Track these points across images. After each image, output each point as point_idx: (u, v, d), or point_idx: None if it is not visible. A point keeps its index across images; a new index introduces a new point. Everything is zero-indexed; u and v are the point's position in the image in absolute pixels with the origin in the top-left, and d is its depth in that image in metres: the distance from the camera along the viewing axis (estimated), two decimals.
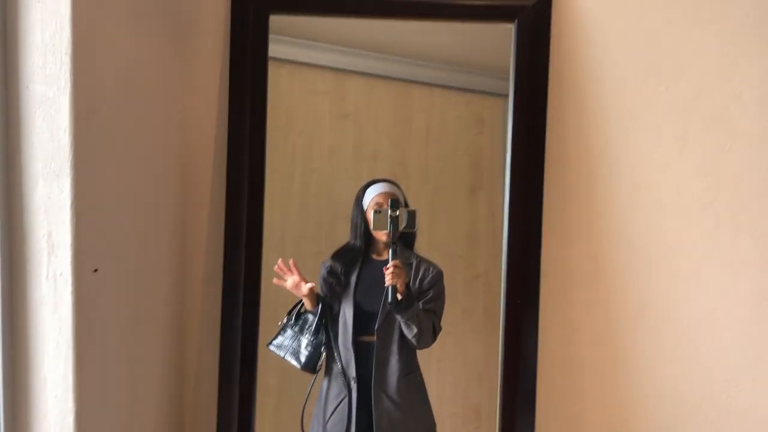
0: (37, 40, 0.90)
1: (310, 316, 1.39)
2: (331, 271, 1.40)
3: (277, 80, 1.40)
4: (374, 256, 1.41)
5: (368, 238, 1.40)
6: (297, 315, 1.40)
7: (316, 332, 1.38)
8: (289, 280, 1.37)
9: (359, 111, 1.45)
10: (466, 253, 1.47)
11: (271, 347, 1.40)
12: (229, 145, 1.37)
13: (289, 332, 1.39)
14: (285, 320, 1.40)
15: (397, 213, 1.35)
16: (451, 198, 1.47)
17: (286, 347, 1.39)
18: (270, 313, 1.39)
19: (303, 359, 1.38)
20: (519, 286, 1.38)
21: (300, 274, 1.37)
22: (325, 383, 1.40)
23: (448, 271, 1.43)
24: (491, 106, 1.46)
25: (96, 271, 0.97)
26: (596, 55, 1.41)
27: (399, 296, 1.33)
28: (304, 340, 1.38)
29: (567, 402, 1.46)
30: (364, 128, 1.46)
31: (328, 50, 1.45)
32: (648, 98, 1.41)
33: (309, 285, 1.37)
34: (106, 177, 1.01)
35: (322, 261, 1.41)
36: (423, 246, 1.43)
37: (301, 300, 1.39)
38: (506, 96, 1.40)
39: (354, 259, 1.40)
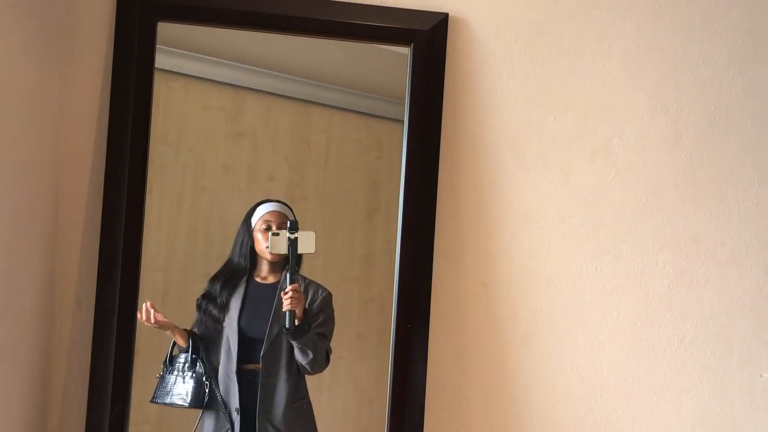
0: None
1: (182, 354, 1.32)
2: (207, 294, 1.34)
3: (170, 94, 1.35)
4: (258, 279, 1.36)
5: (252, 259, 1.35)
6: (170, 358, 1.32)
7: (192, 366, 1.32)
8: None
9: (256, 130, 1.42)
10: (362, 276, 1.46)
11: (156, 400, 1.31)
12: (107, 157, 1.29)
13: (169, 378, 1.31)
14: (162, 371, 1.32)
15: (297, 235, 1.32)
16: (348, 221, 1.46)
17: (168, 393, 1.31)
18: (146, 339, 1.31)
19: (188, 398, 1.31)
20: (410, 310, 1.37)
21: (160, 319, 1.29)
22: (205, 416, 1.33)
23: (342, 294, 1.41)
24: (390, 130, 1.46)
25: None
26: (489, 83, 1.45)
27: (297, 322, 1.30)
28: (184, 377, 1.31)
29: (453, 429, 1.47)
30: (260, 148, 1.42)
31: (226, 65, 1.41)
32: (537, 127, 1.46)
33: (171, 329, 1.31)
34: None
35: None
36: (318, 268, 1.41)
37: (172, 347, 1.33)
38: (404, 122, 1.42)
39: (236, 280, 1.35)
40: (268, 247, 1.33)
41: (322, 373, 1.37)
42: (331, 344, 1.38)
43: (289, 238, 1.32)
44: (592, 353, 1.48)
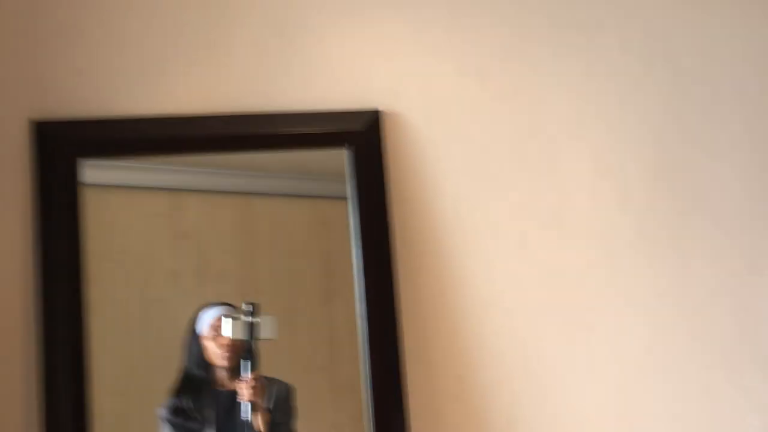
0: None
1: None
2: (176, 410, 1.27)
3: (105, 207, 1.30)
4: (219, 388, 1.31)
5: (208, 368, 1.30)
6: None
7: None
8: None
9: (199, 230, 1.38)
10: (329, 364, 1.42)
11: None
12: (44, 312, 1.21)
13: None
14: None
15: (258, 319, 1.27)
16: (307, 307, 1.42)
17: None
18: None
19: None
20: (385, 417, 1.33)
21: None
22: None
23: (310, 383, 1.37)
24: (336, 209, 1.44)
25: None
26: (431, 170, 1.43)
27: (257, 416, 1.25)
28: None
29: None
30: (206, 247, 1.38)
31: (161, 171, 1.37)
32: (484, 208, 1.44)
33: None
34: None
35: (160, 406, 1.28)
36: (283, 361, 1.36)
37: None
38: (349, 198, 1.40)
39: (202, 391, 1.29)
40: (221, 354, 1.28)
41: None
42: None
43: (248, 322, 1.26)
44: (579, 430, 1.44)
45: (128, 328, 1.31)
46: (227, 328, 1.27)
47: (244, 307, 1.28)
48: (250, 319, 1.28)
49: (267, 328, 1.29)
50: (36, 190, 1.24)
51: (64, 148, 1.25)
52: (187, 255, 1.37)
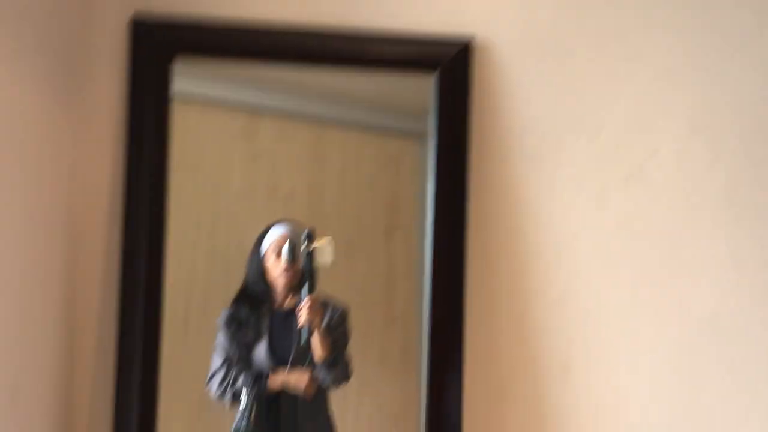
0: None
1: (243, 382, 1.31)
2: (232, 317, 1.33)
3: (185, 119, 1.35)
4: (276, 306, 1.35)
5: (267, 286, 1.35)
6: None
7: (248, 395, 1.31)
8: None
9: (272, 152, 1.41)
10: (383, 295, 1.44)
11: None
12: (125, 191, 1.29)
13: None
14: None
15: (313, 247, 1.30)
16: (368, 240, 1.44)
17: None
18: (174, 366, 1.32)
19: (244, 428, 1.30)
20: (443, 343, 1.34)
21: None
22: None
23: (365, 313, 1.40)
24: (407, 147, 1.44)
25: None
26: (518, 106, 1.40)
27: (315, 337, 1.29)
28: (242, 406, 1.30)
29: None
30: (277, 170, 1.41)
31: (240, 89, 1.40)
32: (568, 151, 1.40)
33: None
34: None
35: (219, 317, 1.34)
36: (339, 288, 1.40)
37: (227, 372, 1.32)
38: (421, 137, 1.39)
39: (259, 306, 1.34)
40: (280, 274, 1.32)
41: (346, 393, 1.37)
42: (356, 363, 1.37)
43: (305, 249, 1.30)
44: (634, 385, 1.41)
45: (198, 238, 1.37)
46: (286, 253, 1.30)
47: (303, 234, 1.31)
48: (308, 245, 1.30)
49: (323, 254, 1.31)
50: (130, 86, 1.30)
51: (161, 46, 1.30)
52: (259, 175, 1.41)
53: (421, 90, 1.37)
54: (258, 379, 1.32)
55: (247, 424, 1.30)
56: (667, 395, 1.42)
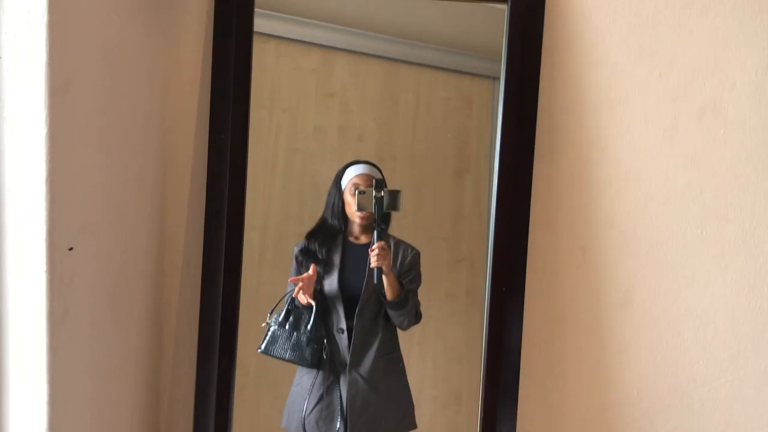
0: (11, 7, 0.86)
1: (305, 311, 1.36)
2: (305, 250, 1.37)
3: (263, 56, 1.37)
4: (351, 239, 1.39)
5: (344, 221, 1.38)
6: (286, 312, 1.36)
7: (314, 327, 1.35)
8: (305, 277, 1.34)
9: (346, 90, 1.43)
10: (451, 236, 1.45)
11: (268, 352, 1.35)
12: (211, 121, 1.34)
13: (279, 331, 1.35)
14: (271, 320, 1.36)
15: (382, 193, 1.33)
16: (437, 180, 1.45)
17: (285, 349, 1.35)
18: (250, 296, 1.37)
19: (309, 357, 1.35)
20: (505, 273, 1.36)
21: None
22: (305, 370, 1.38)
23: (431, 253, 1.42)
24: (480, 87, 1.43)
25: (71, 249, 0.94)
26: (590, 39, 1.38)
27: (384, 278, 1.33)
28: (304, 337, 1.35)
29: (549, 390, 1.46)
30: (350, 108, 1.43)
31: (316, 26, 1.41)
32: (640, 85, 1.39)
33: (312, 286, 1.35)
34: (82, 151, 0.98)
35: (296, 244, 1.38)
36: (407, 228, 1.42)
37: (285, 296, 1.36)
38: (495, 78, 1.38)
39: (332, 239, 1.38)
40: (356, 212, 1.35)
41: (412, 331, 1.40)
42: (422, 303, 1.40)
43: (375, 196, 1.33)
44: (695, 319, 1.42)
45: (273, 172, 1.40)
46: (358, 201, 1.33)
47: (374, 182, 1.34)
48: (375, 193, 1.33)
49: (391, 201, 1.34)
50: (216, 14, 1.34)
51: None
52: (332, 113, 1.42)
53: (494, 28, 1.36)
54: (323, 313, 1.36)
55: (309, 352, 1.35)
56: (729, 330, 1.43)
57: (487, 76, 1.42)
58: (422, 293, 1.41)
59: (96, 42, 1.01)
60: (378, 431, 1.38)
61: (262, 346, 1.35)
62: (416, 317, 1.38)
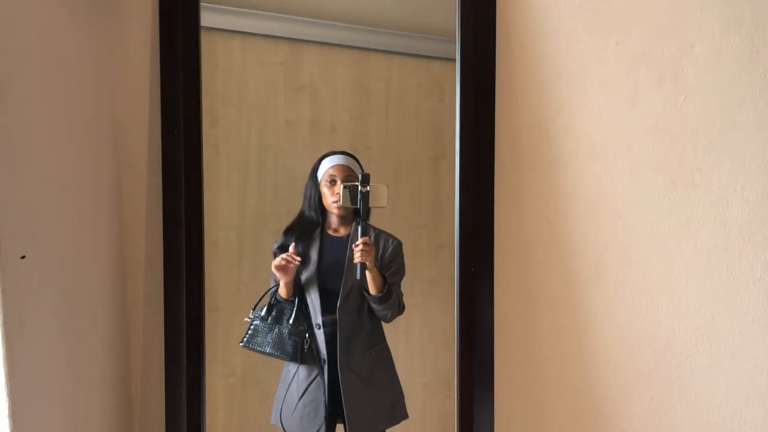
0: None
1: (287, 305, 1.35)
2: (283, 246, 1.35)
3: (228, 53, 1.35)
4: (330, 232, 1.38)
5: (322, 213, 1.37)
6: (269, 306, 1.35)
7: (296, 321, 1.35)
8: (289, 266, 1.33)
9: (315, 82, 1.41)
10: (431, 223, 1.45)
11: (249, 345, 1.34)
12: (163, 119, 1.30)
13: (261, 325, 1.34)
14: (252, 315, 1.35)
15: (368, 188, 1.32)
16: (414, 167, 1.44)
17: (266, 343, 1.34)
18: (230, 293, 1.36)
19: (290, 350, 1.34)
20: (472, 253, 1.37)
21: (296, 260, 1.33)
22: (291, 366, 1.37)
23: (412, 241, 1.41)
24: (450, 71, 1.43)
25: (23, 257, 0.91)
26: (544, 10, 1.39)
27: (367, 273, 1.32)
28: (285, 330, 1.34)
29: (525, 368, 1.47)
30: (321, 100, 1.41)
31: (281, 19, 1.39)
32: (597, 53, 1.40)
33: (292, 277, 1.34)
34: (27, 157, 0.93)
35: (275, 240, 1.37)
36: (387, 217, 1.41)
37: (267, 292, 1.35)
38: None
39: (310, 233, 1.36)
40: (335, 201, 1.34)
41: (398, 319, 1.39)
42: (405, 291, 1.39)
43: (360, 191, 1.32)
44: (667, 287, 1.45)
45: (246, 169, 1.38)
46: (343, 196, 1.32)
47: (360, 176, 1.33)
48: (361, 188, 1.32)
49: (377, 196, 1.33)
50: (160, 27, 1.30)
51: None
52: (302, 106, 1.40)
53: (452, 8, 1.36)
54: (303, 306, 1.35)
55: (293, 347, 1.34)
56: (702, 296, 1.45)
57: (455, 59, 1.41)
58: (405, 281, 1.41)
59: (36, 45, 0.97)
60: (370, 424, 1.37)
61: (244, 340, 1.34)
62: (400, 309, 1.38)
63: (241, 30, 1.38)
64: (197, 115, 1.30)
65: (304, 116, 1.41)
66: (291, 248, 1.33)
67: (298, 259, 1.32)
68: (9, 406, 0.87)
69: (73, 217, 1.10)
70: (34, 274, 0.94)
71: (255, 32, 1.39)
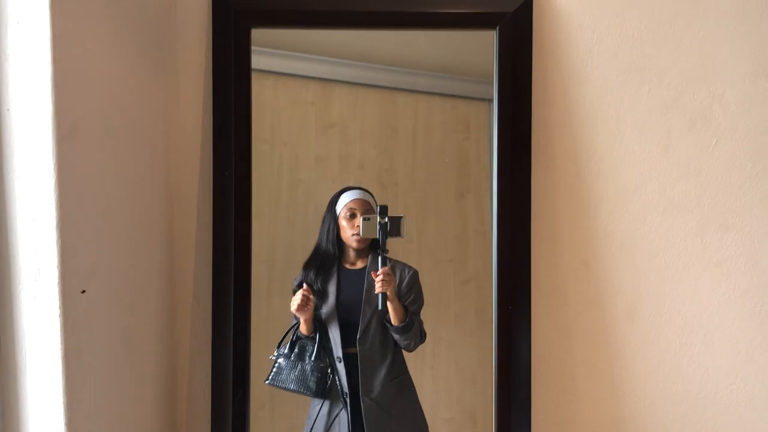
0: (16, 60, 0.89)
1: (308, 342, 1.37)
2: (301, 284, 1.38)
3: (262, 92, 1.40)
4: (347, 266, 1.40)
5: (339, 246, 1.40)
6: (291, 343, 1.37)
7: (318, 357, 1.37)
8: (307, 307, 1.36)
9: (345, 120, 1.45)
10: (456, 258, 1.47)
11: (275, 383, 1.37)
12: (214, 159, 1.36)
13: (284, 363, 1.37)
14: (277, 353, 1.38)
15: (386, 220, 1.35)
16: (440, 203, 1.47)
17: (290, 380, 1.36)
18: (260, 327, 1.39)
19: (314, 386, 1.36)
20: (510, 291, 1.38)
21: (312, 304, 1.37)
22: (316, 401, 1.39)
23: (438, 276, 1.43)
24: (476, 110, 1.46)
25: (84, 292, 0.96)
26: (579, 58, 1.42)
27: (389, 303, 1.34)
28: (308, 367, 1.36)
29: (562, 405, 1.46)
30: (350, 137, 1.45)
31: (312, 60, 1.45)
32: (631, 99, 1.42)
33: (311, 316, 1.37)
34: (91, 195, 1.00)
35: (294, 278, 1.40)
36: (413, 252, 1.43)
37: (290, 330, 1.38)
38: (490, 100, 1.41)
39: (328, 267, 1.39)
40: (354, 234, 1.37)
41: (424, 354, 1.41)
42: (432, 325, 1.41)
43: (379, 222, 1.35)
44: (700, 327, 1.43)
45: (277, 204, 1.42)
46: (363, 227, 1.36)
47: (377, 209, 1.37)
48: (380, 219, 1.35)
49: (396, 228, 1.36)
50: (214, 59, 1.37)
51: (239, 18, 1.36)
52: (332, 143, 1.45)
53: (485, 52, 1.40)
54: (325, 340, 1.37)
55: (317, 382, 1.36)
56: (735, 336, 1.44)
57: (482, 99, 1.44)
58: (432, 315, 1.42)
59: (99, 90, 1.04)
60: None
61: (269, 378, 1.37)
62: (422, 337, 1.39)
63: (274, 70, 1.43)
64: (247, 155, 1.36)
65: (334, 152, 1.45)
66: (304, 286, 1.35)
67: (313, 297, 1.35)
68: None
69: (128, 253, 1.16)
70: (93, 308, 1.00)
71: (287, 72, 1.44)
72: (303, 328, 1.37)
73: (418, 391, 1.42)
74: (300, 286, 1.38)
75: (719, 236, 1.42)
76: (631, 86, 1.41)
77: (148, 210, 1.26)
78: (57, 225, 0.90)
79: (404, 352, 1.40)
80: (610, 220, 1.43)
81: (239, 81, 1.35)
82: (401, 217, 1.36)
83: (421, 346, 1.40)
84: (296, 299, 1.35)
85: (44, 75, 0.89)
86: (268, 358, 1.38)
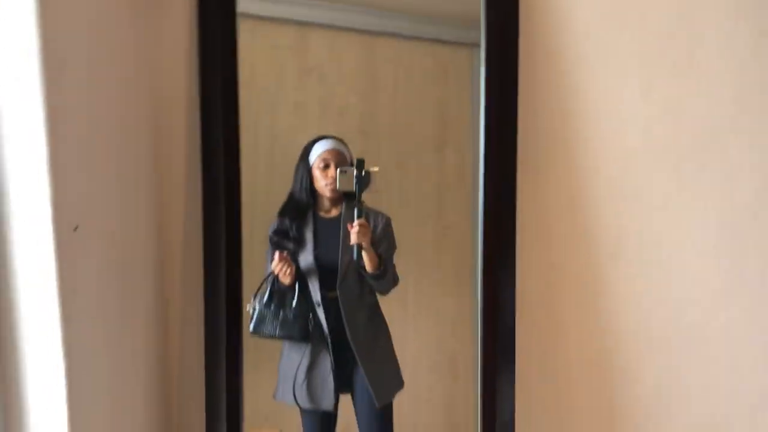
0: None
1: (288, 290, 1.37)
2: (278, 230, 1.38)
3: (240, 36, 1.34)
4: (321, 213, 1.40)
5: (313, 195, 1.39)
6: (270, 293, 1.37)
7: (299, 303, 1.37)
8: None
9: (324, 65, 1.42)
10: (435, 207, 1.47)
11: (258, 332, 1.37)
12: (201, 101, 1.31)
13: (265, 311, 1.37)
14: (255, 303, 1.37)
15: (363, 173, 1.35)
16: (420, 151, 1.46)
17: (275, 327, 1.37)
18: (251, 266, 1.36)
19: (297, 333, 1.37)
20: (495, 230, 1.37)
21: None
22: (297, 345, 1.40)
23: (417, 225, 1.43)
24: (457, 56, 1.45)
25: (76, 228, 0.93)
26: (563, 3, 1.41)
27: (363, 252, 1.36)
28: (290, 314, 1.37)
29: (547, 343, 1.49)
30: (329, 83, 1.42)
31: (290, 3, 1.40)
32: (614, 45, 1.43)
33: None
34: (80, 130, 0.97)
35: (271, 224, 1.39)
36: (393, 200, 1.42)
37: (266, 279, 1.37)
38: (472, 45, 1.40)
39: (303, 215, 1.39)
40: (329, 185, 1.36)
41: (405, 303, 1.43)
42: (411, 275, 1.42)
43: (356, 176, 1.34)
44: (679, 260, 1.48)
45: (256, 152, 1.38)
46: (339, 180, 1.35)
47: (356, 161, 1.36)
48: (356, 172, 1.35)
49: (372, 181, 1.36)
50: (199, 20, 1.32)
51: None
52: (311, 88, 1.41)
53: None
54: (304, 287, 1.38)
55: (296, 325, 1.38)
56: (712, 271, 1.50)
57: (463, 44, 1.43)
58: (411, 265, 1.42)
59: (86, 26, 1.01)
60: (376, 394, 1.39)
61: (251, 327, 1.36)
62: (395, 281, 1.41)
63: (251, 13, 1.37)
64: (234, 96, 1.31)
65: (313, 99, 1.42)
66: (277, 256, 1.35)
67: (291, 262, 1.36)
68: (65, 361, 0.93)
69: (118, 190, 1.14)
70: (86, 244, 0.98)
71: (264, 15, 1.39)
72: (283, 280, 1.36)
73: (399, 340, 1.42)
74: (276, 233, 1.37)
75: (698, 178, 1.46)
76: (612, 34, 1.42)
77: (134, 147, 1.23)
78: (48, 158, 0.87)
79: (378, 296, 1.41)
80: (595, 159, 1.45)
81: (225, 21, 1.30)
82: (375, 169, 1.35)
83: (402, 295, 1.41)
84: (275, 268, 1.35)
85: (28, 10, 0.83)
86: (246, 310, 1.35)
